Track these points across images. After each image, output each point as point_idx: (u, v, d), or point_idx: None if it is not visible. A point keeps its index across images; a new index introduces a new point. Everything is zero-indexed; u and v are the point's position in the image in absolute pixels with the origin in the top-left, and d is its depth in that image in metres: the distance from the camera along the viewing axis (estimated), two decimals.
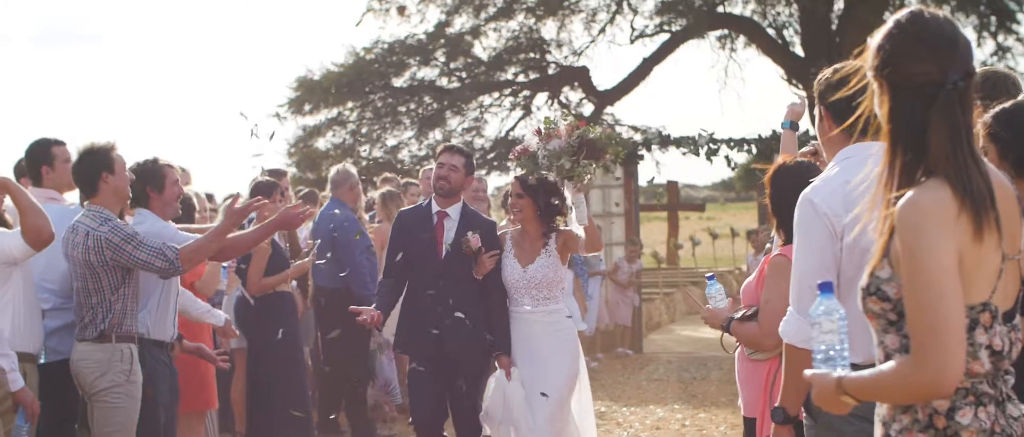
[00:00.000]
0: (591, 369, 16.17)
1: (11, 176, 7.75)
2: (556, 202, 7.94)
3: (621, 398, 13.61)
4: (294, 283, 9.91)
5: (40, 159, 7.61)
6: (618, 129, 30.54)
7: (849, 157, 4.15)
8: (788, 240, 4.91)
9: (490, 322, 8.11)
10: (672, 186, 32.03)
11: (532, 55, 31.01)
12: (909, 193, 2.94)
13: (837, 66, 4.30)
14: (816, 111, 4.45)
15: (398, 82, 30.80)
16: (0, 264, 6.42)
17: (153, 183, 7.39)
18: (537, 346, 7.97)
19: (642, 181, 21.46)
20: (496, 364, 8.03)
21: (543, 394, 7.80)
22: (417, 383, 8.20)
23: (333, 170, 11.62)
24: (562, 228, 8.03)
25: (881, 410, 3.16)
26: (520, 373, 7.90)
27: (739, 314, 5.32)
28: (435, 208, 8.28)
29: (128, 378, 6.81)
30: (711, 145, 18.69)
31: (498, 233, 8.27)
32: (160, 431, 7.21)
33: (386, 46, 30.18)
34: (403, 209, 8.82)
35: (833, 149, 4.32)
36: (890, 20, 3.13)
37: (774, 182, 5.18)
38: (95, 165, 6.93)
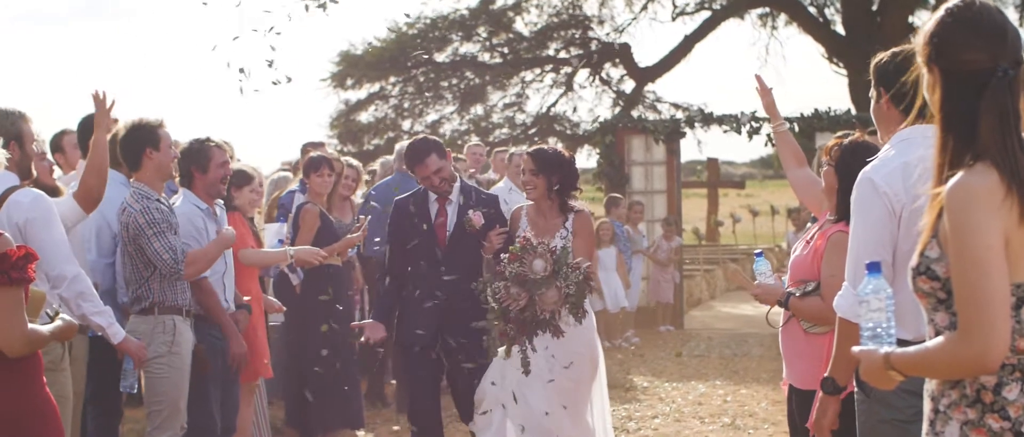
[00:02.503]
0: (633, 344, 16.36)
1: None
2: (568, 178, 7.73)
3: (663, 374, 13.69)
4: (353, 251, 9.93)
5: (89, 134, 7.67)
6: (659, 106, 30.67)
7: (906, 139, 4.27)
8: (841, 216, 4.99)
9: None
10: (712, 163, 32.04)
11: (574, 32, 31.06)
12: (958, 176, 3.03)
13: (896, 49, 4.41)
14: (872, 92, 4.56)
15: (440, 57, 30.94)
16: None
17: (198, 163, 7.44)
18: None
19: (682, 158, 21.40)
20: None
21: (562, 368, 7.50)
22: (415, 376, 7.99)
23: (399, 145, 11.63)
24: (578, 209, 7.78)
25: (930, 385, 3.24)
26: (531, 354, 7.50)
27: (800, 290, 5.37)
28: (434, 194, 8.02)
29: (170, 349, 6.90)
30: (753, 123, 18.71)
31: (516, 208, 8.07)
32: (210, 405, 7.29)
33: (429, 21, 30.29)
34: (399, 197, 8.43)
35: (889, 130, 4.43)
36: (941, 8, 3.22)
37: (850, 155, 5.10)
38: (140, 141, 7.02)
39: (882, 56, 4.48)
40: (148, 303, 6.93)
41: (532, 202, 7.84)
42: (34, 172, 6.47)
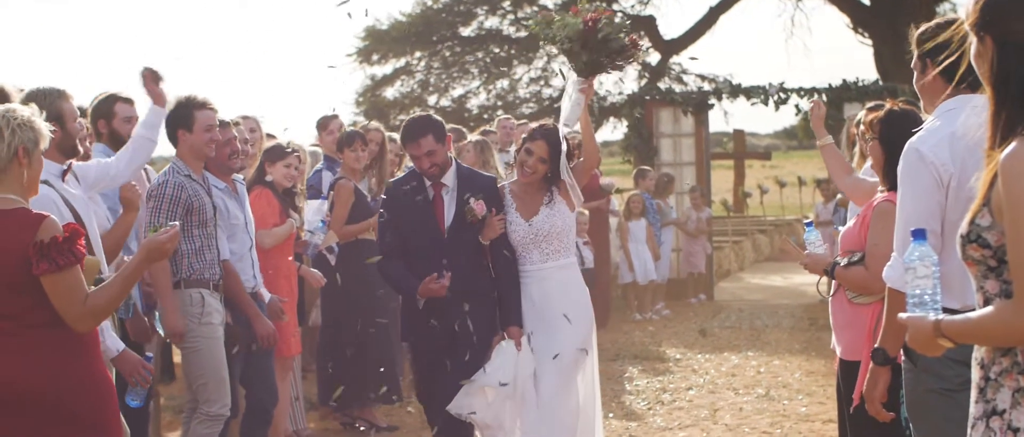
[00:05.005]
0: (664, 317, 16.37)
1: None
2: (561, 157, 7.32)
3: (695, 345, 13.73)
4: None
5: (99, 115, 7.58)
6: (685, 78, 30.61)
7: (951, 109, 4.29)
8: (891, 185, 5.00)
9: (499, 290, 7.44)
10: (738, 134, 31.90)
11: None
12: (1013, 144, 3.02)
13: (940, 20, 4.41)
14: (915, 62, 4.57)
15: (466, 31, 30.93)
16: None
17: None
18: (548, 304, 7.35)
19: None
20: (505, 334, 7.34)
21: (555, 356, 7.24)
22: (430, 379, 7.54)
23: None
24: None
25: (979, 353, 3.24)
26: (529, 336, 7.33)
27: (845, 260, 5.37)
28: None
29: (200, 321, 6.89)
30: (781, 94, 18.68)
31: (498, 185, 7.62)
32: (232, 380, 7.19)
33: None
34: (392, 180, 8.07)
35: (934, 101, 4.45)
36: None
37: (888, 127, 5.13)
38: (174, 121, 7.01)
39: (926, 26, 4.50)
40: (176, 279, 6.89)
41: (523, 181, 7.45)
42: (80, 150, 6.35)
